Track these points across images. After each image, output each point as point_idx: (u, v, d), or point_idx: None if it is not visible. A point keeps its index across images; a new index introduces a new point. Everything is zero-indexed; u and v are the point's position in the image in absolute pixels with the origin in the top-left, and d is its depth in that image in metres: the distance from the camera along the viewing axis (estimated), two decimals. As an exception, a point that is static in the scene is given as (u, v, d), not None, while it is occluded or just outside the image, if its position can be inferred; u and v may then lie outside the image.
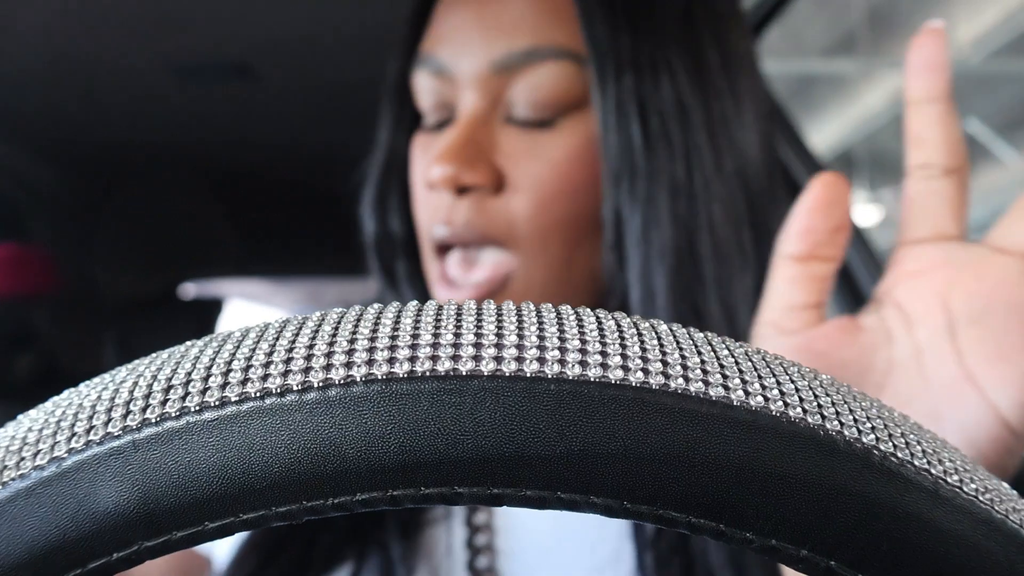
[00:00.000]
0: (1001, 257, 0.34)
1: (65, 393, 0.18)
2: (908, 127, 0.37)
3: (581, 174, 0.49)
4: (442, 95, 0.52)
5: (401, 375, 0.16)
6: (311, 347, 0.16)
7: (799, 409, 0.16)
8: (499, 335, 0.16)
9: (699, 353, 0.17)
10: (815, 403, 0.16)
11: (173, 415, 0.16)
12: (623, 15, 0.49)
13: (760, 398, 0.16)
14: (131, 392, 0.16)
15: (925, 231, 0.36)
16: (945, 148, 0.36)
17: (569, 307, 0.18)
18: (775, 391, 0.16)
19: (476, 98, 0.50)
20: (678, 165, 0.48)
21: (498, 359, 0.16)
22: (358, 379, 0.16)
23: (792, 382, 0.17)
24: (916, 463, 0.16)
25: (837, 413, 0.16)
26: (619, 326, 0.17)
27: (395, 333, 0.17)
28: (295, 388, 0.16)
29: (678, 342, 0.17)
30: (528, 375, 0.16)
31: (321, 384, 0.16)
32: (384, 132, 0.58)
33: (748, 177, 0.51)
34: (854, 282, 1.05)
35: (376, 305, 0.18)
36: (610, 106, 0.48)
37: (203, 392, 0.16)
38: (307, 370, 0.16)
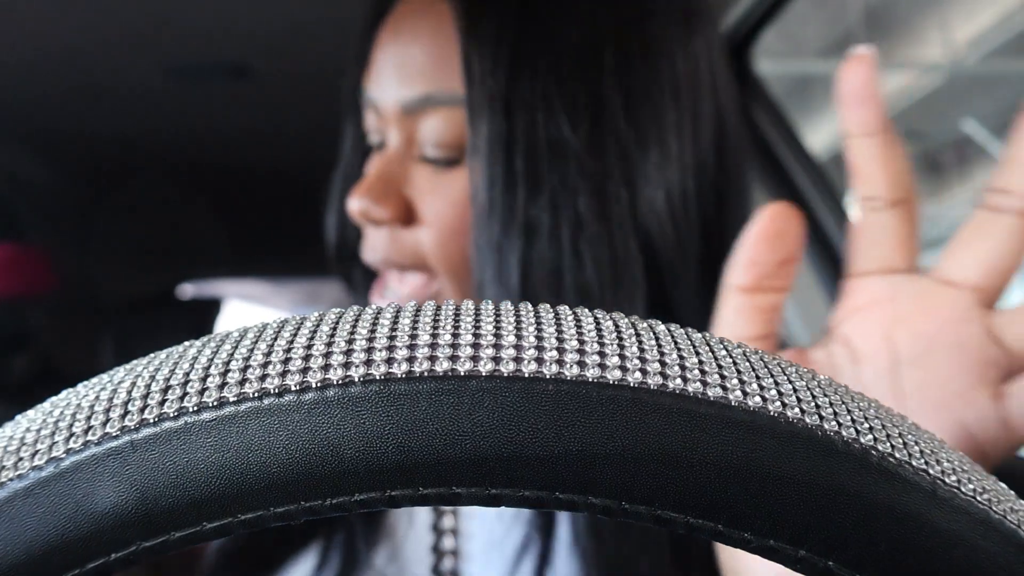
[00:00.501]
0: (948, 290, 0.34)
1: (63, 393, 0.18)
2: (848, 160, 0.36)
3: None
4: (377, 123, 0.55)
5: (399, 375, 0.16)
6: (309, 347, 0.16)
7: (797, 409, 0.16)
8: (497, 335, 0.16)
9: (697, 353, 0.17)
10: (813, 403, 0.16)
11: (171, 415, 0.16)
12: (504, 57, 0.49)
13: (758, 398, 0.16)
14: (129, 392, 0.16)
15: (873, 264, 0.36)
16: (887, 181, 0.35)
17: (567, 307, 0.18)
18: (773, 391, 0.16)
19: (395, 134, 0.53)
20: (542, 205, 0.48)
21: (496, 359, 0.16)
22: (356, 379, 0.16)
23: (790, 382, 0.17)
24: (914, 463, 0.16)
25: (835, 413, 0.16)
26: (617, 326, 0.17)
27: (393, 333, 0.17)
28: (293, 388, 0.16)
29: (676, 342, 0.17)
30: (526, 375, 0.16)
31: (319, 384, 0.16)
32: (345, 145, 0.62)
33: (645, 219, 0.49)
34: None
35: (374, 306, 0.18)
36: (478, 144, 0.49)
37: (201, 392, 0.16)
38: (305, 370, 0.16)
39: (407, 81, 0.52)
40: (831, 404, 0.17)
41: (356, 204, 0.52)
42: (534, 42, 0.49)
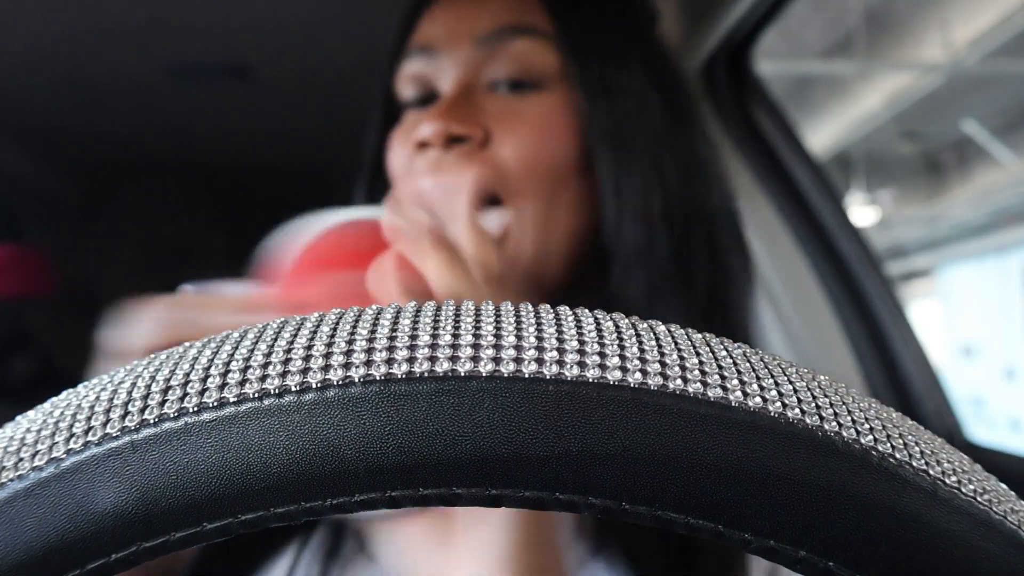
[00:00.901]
0: None
1: (63, 394, 0.18)
2: None
3: (558, 132, 0.55)
4: (425, 75, 0.57)
5: (399, 376, 0.16)
6: (309, 348, 0.16)
7: (797, 410, 0.16)
8: (497, 336, 0.16)
9: (697, 354, 0.17)
10: (813, 404, 0.16)
11: (171, 416, 0.16)
12: (586, 5, 0.57)
13: (758, 399, 0.16)
14: (129, 393, 0.16)
15: None
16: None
17: (567, 308, 0.18)
18: (773, 392, 0.16)
19: (461, 70, 0.56)
20: (650, 143, 0.55)
21: (496, 360, 0.16)
22: (356, 380, 0.16)
23: (790, 383, 0.17)
24: (914, 464, 0.16)
25: (835, 414, 0.16)
26: (617, 327, 0.17)
27: (393, 334, 0.17)
28: (293, 389, 0.16)
29: (676, 343, 0.17)
30: (526, 376, 0.16)
31: (319, 385, 0.16)
32: (372, 135, 0.62)
33: (701, 179, 0.57)
34: (854, 281, 1.05)
35: (374, 306, 0.18)
36: (582, 84, 0.55)
37: (201, 393, 0.16)
38: (305, 371, 0.16)
39: (486, 15, 0.56)
40: (831, 405, 0.17)
41: (433, 125, 0.52)
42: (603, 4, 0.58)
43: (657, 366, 0.16)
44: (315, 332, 0.17)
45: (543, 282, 0.54)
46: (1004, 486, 0.18)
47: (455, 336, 0.16)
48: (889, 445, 0.16)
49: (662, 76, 0.59)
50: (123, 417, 0.16)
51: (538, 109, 0.55)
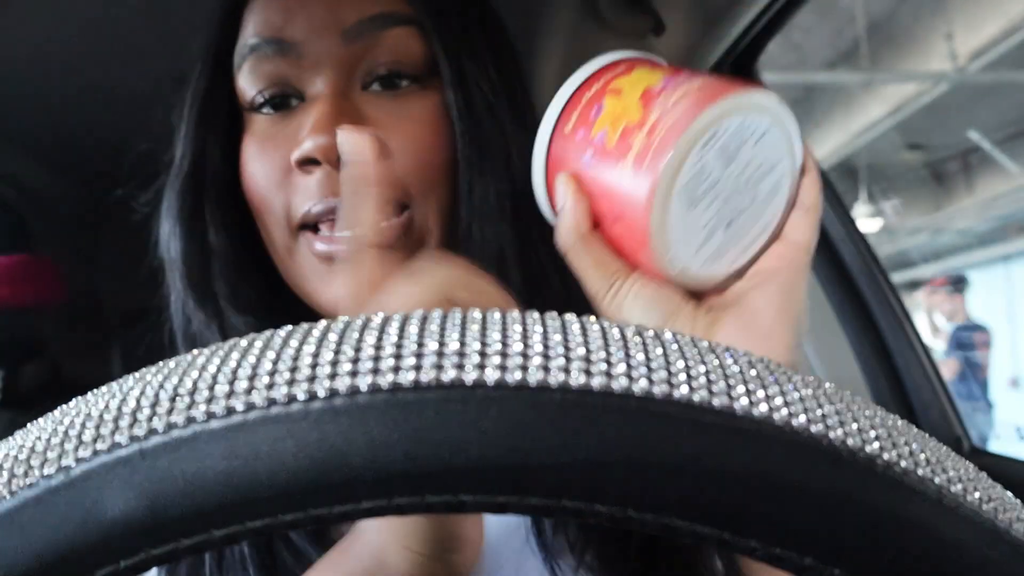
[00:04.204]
0: None
1: (73, 402, 0.18)
2: None
3: (442, 128, 0.52)
4: (283, 77, 0.52)
5: (406, 385, 0.16)
6: (316, 356, 0.17)
7: (803, 418, 0.16)
8: (503, 344, 0.16)
9: (703, 362, 0.17)
10: (819, 412, 0.16)
11: (180, 424, 0.16)
12: None
13: (764, 407, 0.16)
14: (138, 401, 0.16)
15: None
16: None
17: (573, 315, 0.18)
18: (779, 400, 0.16)
19: (332, 72, 0.50)
20: (503, 134, 0.52)
21: (502, 368, 0.16)
22: (363, 388, 0.16)
23: (796, 391, 0.17)
24: (919, 472, 0.16)
25: (841, 422, 0.16)
26: (623, 334, 0.17)
27: (400, 342, 0.17)
28: (300, 398, 0.16)
29: (682, 351, 0.17)
30: (532, 385, 0.16)
31: (326, 394, 0.16)
32: (189, 140, 0.55)
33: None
34: (859, 290, 1.05)
35: (380, 313, 0.18)
36: (455, 77, 0.52)
37: (209, 401, 0.16)
38: (312, 379, 0.16)
39: (343, 4, 0.51)
40: (837, 413, 0.17)
41: (319, 141, 0.47)
42: None
43: (663, 374, 0.16)
44: (322, 340, 0.17)
45: None
46: (1009, 494, 0.18)
47: (461, 344, 0.16)
48: (894, 453, 0.16)
49: (509, 67, 0.55)
50: (132, 425, 0.16)
51: (419, 107, 0.51)
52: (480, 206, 0.51)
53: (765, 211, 0.44)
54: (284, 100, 0.52)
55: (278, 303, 0.54)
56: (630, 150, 0.40)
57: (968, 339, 5.14)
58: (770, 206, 0.44)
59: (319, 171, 0.49)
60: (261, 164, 0.52)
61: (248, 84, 0.52)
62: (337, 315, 0.18)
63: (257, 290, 0.55)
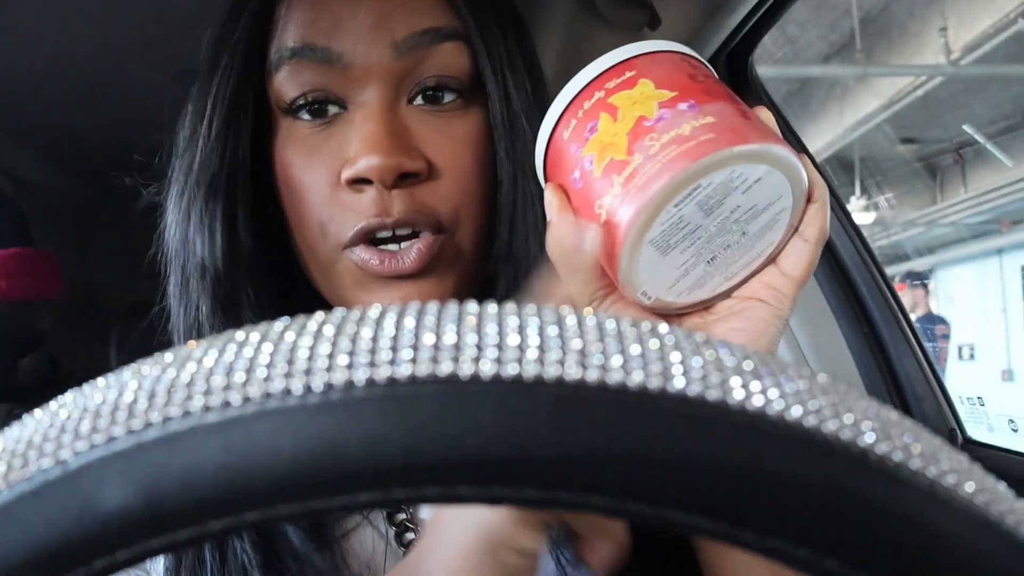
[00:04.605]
0: None
1: (69, 394, 0.18)
2: None
3: (486, 150, 0.52)
4: (327, 84, 0.50)
5: (402, 378, 0.16)
6: (312, 349, 0.17)
7: (797, 411, 0.16)
8: (500, 336, 0.17)
9: (698, 356, 0.17)
10: (813, 405, 0.17)
11: (177, 417, 0.16)
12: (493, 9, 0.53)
13: (759, 400, 0.16)
14: (135, 393, 0.16)
15: None
16: None
17: (569, 308, 0.18)
18: (774, 393, 0.16)
19: (381, 85, 0.50)
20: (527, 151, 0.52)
21: (498, 361, 0.16)
22: (360, 382, 0.16)
23: (791, 384, 0.17)
24: (913, 464, 0.16)
25: (835, 415, 0.17)
26: (619, 328, 0.17)
27: (396, 335, 0.17)
28: (297, 391, 0.16)
29: (678, 344, 0.17)
30: (528, 379, 0.16)
31: (323, 387, 0.16)
32: (217, 139, 0.52)
33: None
34: (850, 278, 1.05)
35: (377, 306, 0.18)
36: (500, 93, 0.51)
37: (206, 394, 0.16)
38: (309, 372, 0.16)
39: (401, 18, 0.50)
40: (831, 405, 0.17)
41: (381, 161, 0.47)
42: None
43: (658, 368, 0.16)
44: (318, 334, 0.17)
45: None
46: (1003, 486, 0.18)
47: (458, 337, 0.16)
48: (887, 446, 0.16)
49: (540, 80, 0.55)
50: (129, 418, 0.16)
51: (463, 127, 0.51)
52: (521, 226, 0.51)
53: (756, 244, 0.42)
54: (323, 107, 0.51)
55: (289, 307, 0.53)
56: (610, 188, 0.39)
57: (930, 331, 5.43)
58: (762, 240, 0.42)
59: (371, 190, 0.48)
60: (307, 177, 0.51)
61: (287, 87, 0.51)
62: None
63: (276, 294, 0.54)
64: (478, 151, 0.51)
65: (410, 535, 0.51)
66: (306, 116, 0.51)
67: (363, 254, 0.50)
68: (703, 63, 0.43)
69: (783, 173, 0.39)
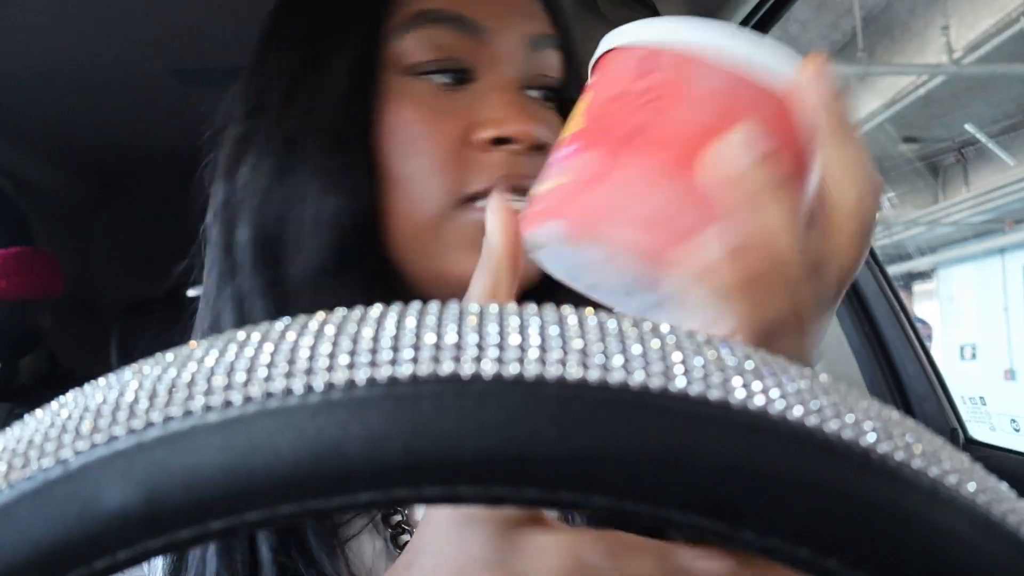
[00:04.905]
0: None
1: (70, 394, 0.18)
2: None
3: None
4: (460, 52, 0.53)
5: (404, 378, 0.16)
6: (313, 349, 0.17)
7: (799, 411, 0.16)
8: (501, 336, 0.17)
9: (699, 355, 0.17)
10: (815, 405, 0.17)
11: (178, 416, 0.16)
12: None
13: (760, 400, 0.16)
14: (136, 393, 0.16)
15: None
16: None
17: (570, 308, 0.18)
18: (775, 392, 0.16)
19: (518, 64, 0.54)
20: None
21: (500, 361, 0.16)
22: (361, 381, 0.16)
23: (792, 383, 0.17)
24: (914, 464, 0.16)
25: (837, 415, 0.17)
26: (620, 328, 0.17)
27: (397, 334, 0.17)
28: (298, 391, 0.16)
29: (679, 344, 0.17)
30: (529, 378, 0.16)
31: (324, 387, 0.16)
32: (341, 100, 0.52)
33: None
34: (855, 282, 1.04)
35: (378, 306, 0.18)
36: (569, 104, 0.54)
37: (207, 394, 0.16)
38: (310, 372, 0.16)
39: (533, 18, 0.56)
40: (833, 405, 0.17)
41: (531, 124, 0.51)
42: None
43: (660, 367, 0.16)
44: (319, 333, 0.17)
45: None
46: (1005, 486, 0.18)
47: (459, 336, 0.17)
48: (889, 445, 0.16)
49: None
50: (130, 417, 0.16)
51: (557, 124, 0.54)
52: None
53: None
54: (455, 73, 0.53)
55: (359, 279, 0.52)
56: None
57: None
58: None
59: (504, 151, 0.51)
60: (431, 135, 0.52)
61: (417, 49, 0.53)
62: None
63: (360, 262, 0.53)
64: None
65: (406, 537, 0.51)
66: (436, 78, 0.53)
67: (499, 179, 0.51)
68: (703, 61, 0.33)
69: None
